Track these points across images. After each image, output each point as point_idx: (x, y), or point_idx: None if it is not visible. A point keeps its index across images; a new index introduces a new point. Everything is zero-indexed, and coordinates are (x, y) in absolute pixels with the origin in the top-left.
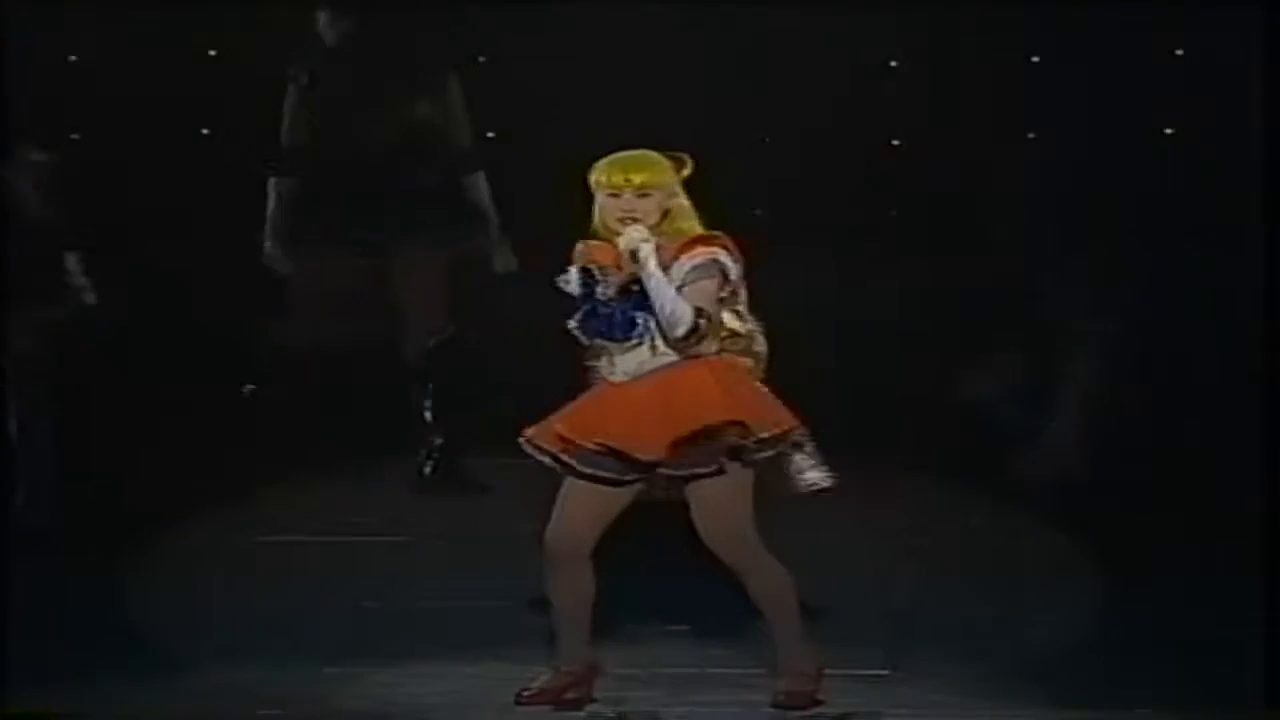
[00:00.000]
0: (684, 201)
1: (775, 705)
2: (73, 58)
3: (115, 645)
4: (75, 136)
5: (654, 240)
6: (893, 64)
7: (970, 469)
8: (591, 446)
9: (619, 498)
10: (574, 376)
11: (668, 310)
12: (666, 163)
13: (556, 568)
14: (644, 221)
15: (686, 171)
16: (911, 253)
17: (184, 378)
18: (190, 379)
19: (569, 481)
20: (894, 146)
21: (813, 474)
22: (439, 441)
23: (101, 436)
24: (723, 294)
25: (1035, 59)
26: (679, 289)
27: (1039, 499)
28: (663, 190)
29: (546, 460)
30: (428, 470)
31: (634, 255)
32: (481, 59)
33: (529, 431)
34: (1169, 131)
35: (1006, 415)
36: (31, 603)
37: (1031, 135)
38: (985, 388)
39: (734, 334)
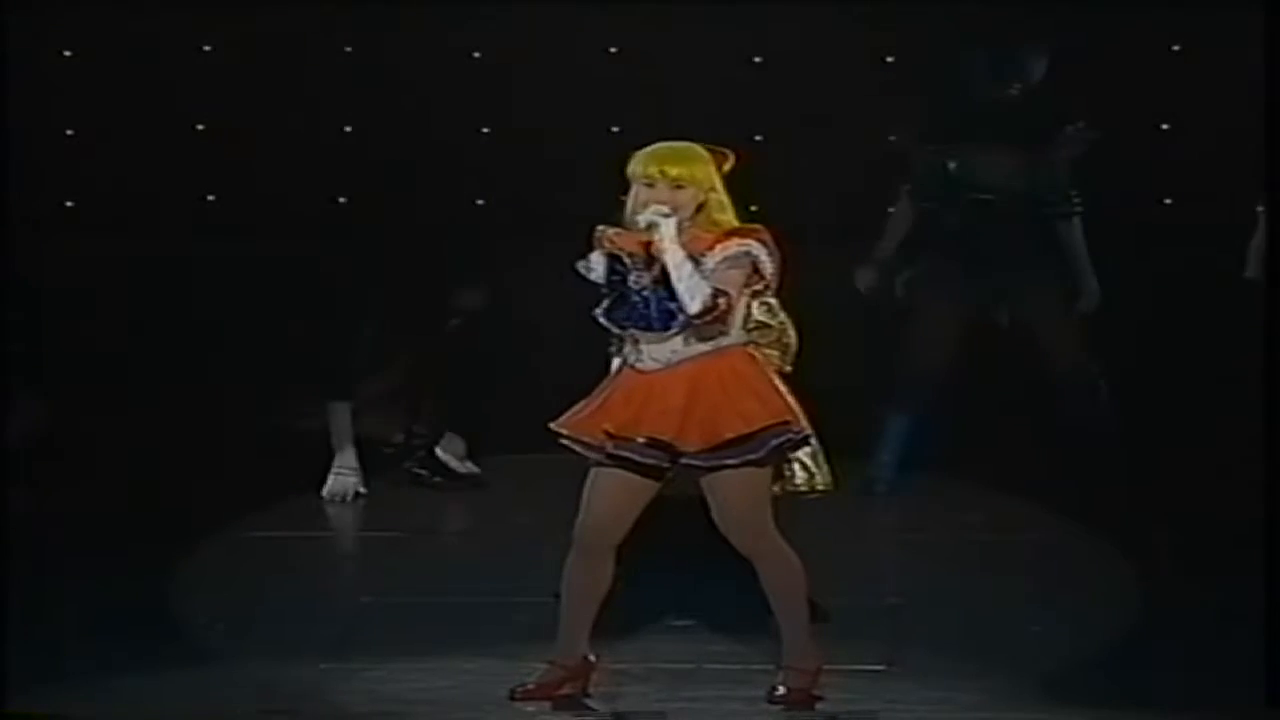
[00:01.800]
0: (722, 196)
1: (773, 702)
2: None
3: (113, 645)
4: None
5: (675, 216)
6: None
7: (968, 467)
8: (641, 440)
9: (650, 488)
10: (568, 371)
11: (684, 286)
12: (706, 156)
13: (584, 558)
14: (678, 215)
15: (728, 166)
16: (908, 251)
17: (181, 375)
18: (187, 377)
19: (602, 473)
20: (890, 142)
21: (802, 474)
22: (433, 437)
23: (99, 434)
24: (756, 286)
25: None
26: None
27: (1037, 498)
28: (699, 185)
29: (594, 456)
30: (416, 467)
31: (652, 229)
32: (477, 54)
33: (566, 427)
34: (1165, 127)
35: (1003, 414)
36: (31, 603)
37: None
38: (983, 386)
39: (763, 325)
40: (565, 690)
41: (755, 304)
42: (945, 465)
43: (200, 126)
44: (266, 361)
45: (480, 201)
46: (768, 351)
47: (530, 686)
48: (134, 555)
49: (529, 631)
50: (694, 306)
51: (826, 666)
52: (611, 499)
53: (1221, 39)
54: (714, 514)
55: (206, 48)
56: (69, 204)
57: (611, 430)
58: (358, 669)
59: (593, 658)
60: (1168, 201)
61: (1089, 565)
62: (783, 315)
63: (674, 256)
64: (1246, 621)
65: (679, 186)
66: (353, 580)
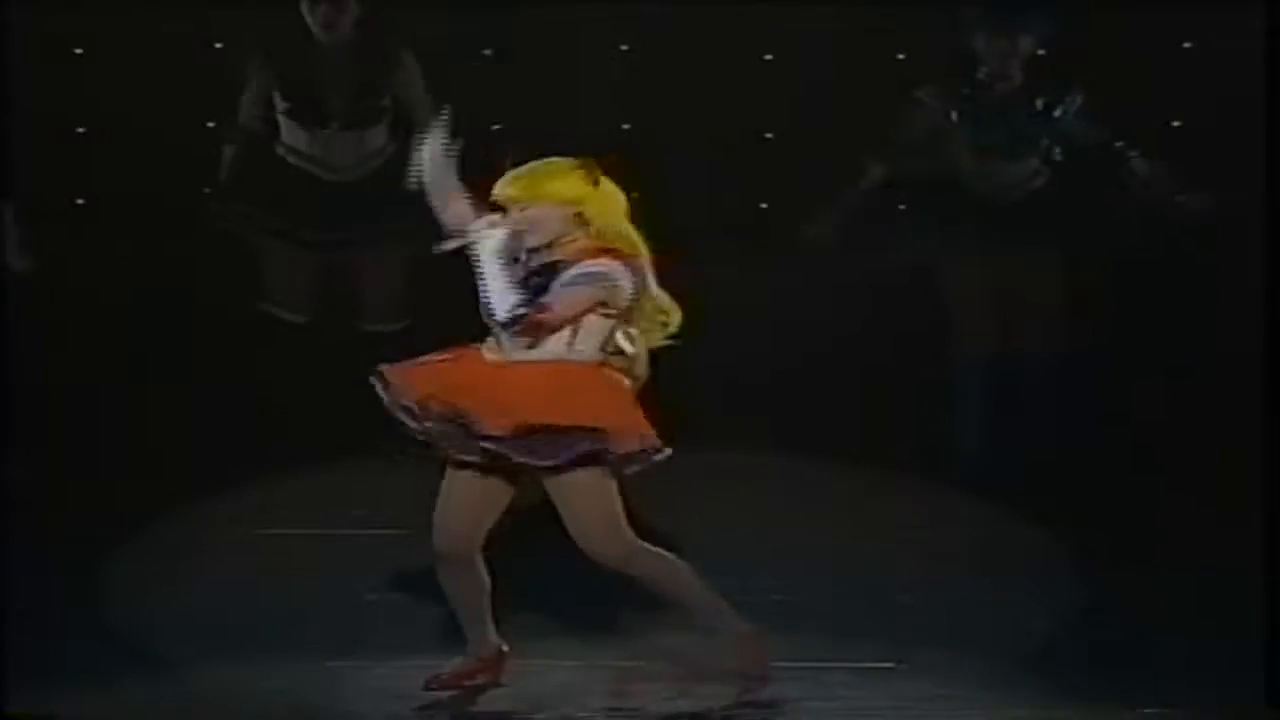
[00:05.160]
0: (603, 209)
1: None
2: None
3: (114, 645)
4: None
5: (492, 232)
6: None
7: (971, 467)
8: (436, 409)
9: (495, 489)
10: None
11: (491, 296)
12: (560, 172)
13: (440, 564)
14: (539, 234)
15: (599, 179)
16: (907, 251)
17: (182, 371)
18: (188, 372)
19: (449, 473)
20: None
21: None
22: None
23: (99, 431)
24: (611, 310)
25: (1041, 52)
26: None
27: (1040, 496)
28: (550, 201)
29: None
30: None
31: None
32: (486, 53)
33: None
34: (1177, 124)
35: (1005, 413)
36: (31, 603)
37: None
38: (983, 387)
39: (620, 352)
40: (478, 679)
41: (620, 330)
42: (961, 462)
43: (211, 124)
44: (273, 359)
45: None
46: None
47: (444, 675)
48: (136, 555)
49: (535, 629)
50: (499, 315)
51: (834, 664)
52: (453, 507)
53: (1233, 36)
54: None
55: (218, 45)
56: (80, 201)
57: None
58: (363, 668)
59: (505, 648)
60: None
61: (1089, 565)
62: (639, 346)
63: (485, 268)
64: (1247, 621)
65: (522, 207)
66: (358, 579)
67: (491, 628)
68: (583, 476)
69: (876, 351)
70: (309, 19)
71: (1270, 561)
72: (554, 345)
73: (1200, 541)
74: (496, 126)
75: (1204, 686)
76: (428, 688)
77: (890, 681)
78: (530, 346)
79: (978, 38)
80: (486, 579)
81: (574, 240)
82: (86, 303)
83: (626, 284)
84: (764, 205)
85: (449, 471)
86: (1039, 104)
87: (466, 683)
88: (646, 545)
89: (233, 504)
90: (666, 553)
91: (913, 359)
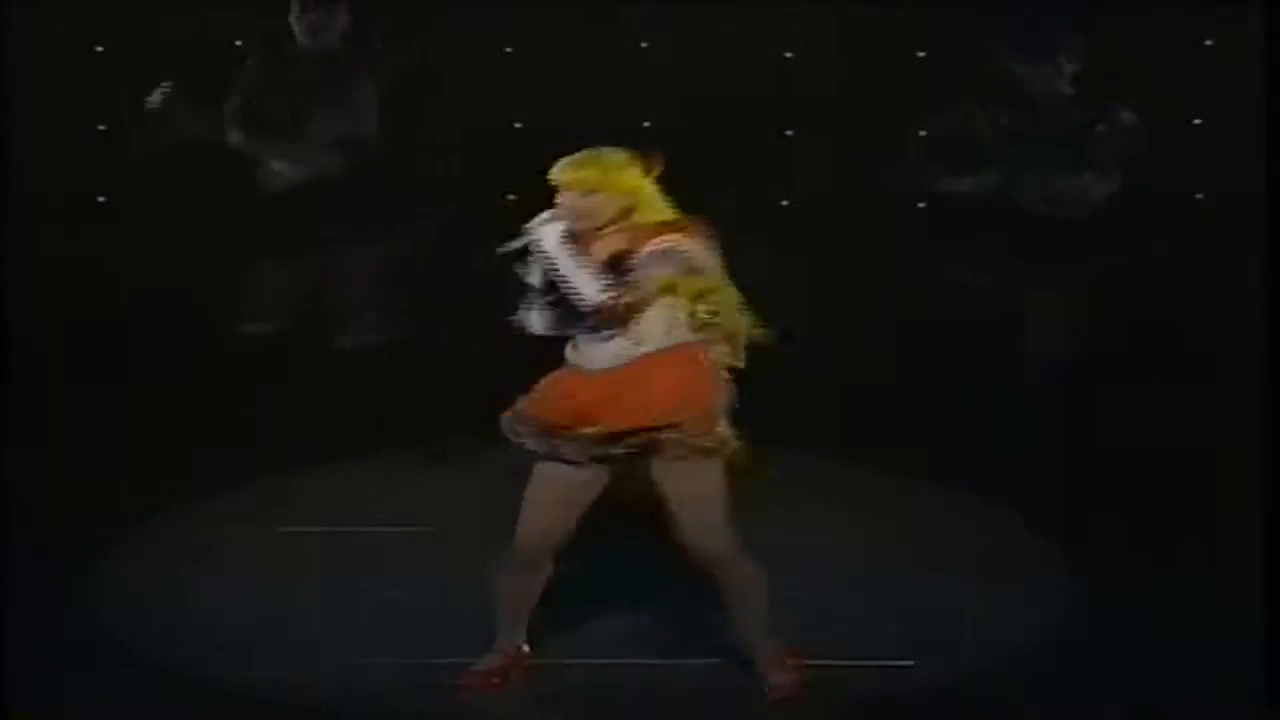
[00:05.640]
0: (652, 200)
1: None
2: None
3: (114, 645)
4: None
5: (558, 223)
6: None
7: (976, 468)
8: (589, 432)
9: (590, 490)
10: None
11: (570, 286)
12: (622, 162)
13: (521, 568)
14: (591, 220)
15: (655, 171)
16: (910, 252)
17: (193, 368)
18: (200, 369)
19: (543, 477)
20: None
21: None
22: (455, 430)
23: (107, 429)
24: (697, 283)
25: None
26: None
27: (1042, 497)
28: (611, 190)
29: (543, 449)
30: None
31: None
32: (508, 49)
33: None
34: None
35: (1008, 414)
36: (31, 602)
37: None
38: (986, 389)
39: (709, 324)
40: (504, 677)
41: (701, 305)
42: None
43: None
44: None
45: (513, 196)
46: (718, 349)
47: (474, 674)
48: (138, 552)
49: (555, 627)
50: (589, 301)
51: (853, 663)
52: (549, 509)
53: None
54: (670, 519)
55: (238, 42)
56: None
57: (557, 424)
58: (380, 666)
59: (527, 647)
60: (1199, 197)
61: (1090, 565)
62: (728, 310)
63: (559, 262)
64: (1246, 621)
65: (585, 193)
66: (377, 577)
67: (523, 629)
68: (706, 468)
69: (882, 352)
70: (295, 27)
71: (1270, 561)
72: (644, 337)
73: (1200, 541)
74: (518, 125)
75: (1204, 686)
76: (457, 687)
77: (896, 681)
78: (613, 332)
79: (1019, 62)
80: (543, 585)
81: (620, 229)
82: (91, 302)
83: (701, 255)
84: (785, 202)
85: (543, 473)
86: (1082, 120)
87: (494, 680)
88: (745, 554)
89: (233, 503)
90: (760, 568)
91: (917, 360)
